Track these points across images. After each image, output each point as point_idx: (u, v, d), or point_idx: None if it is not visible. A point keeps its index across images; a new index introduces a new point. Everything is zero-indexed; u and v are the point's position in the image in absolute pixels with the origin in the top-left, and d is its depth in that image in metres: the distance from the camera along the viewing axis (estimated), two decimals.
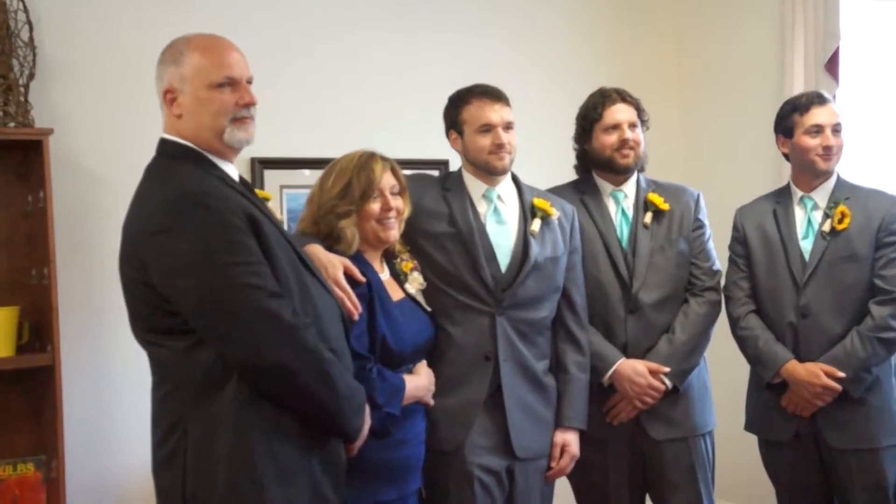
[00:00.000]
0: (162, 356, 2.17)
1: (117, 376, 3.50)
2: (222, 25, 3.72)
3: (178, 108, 2.23)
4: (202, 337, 2.10)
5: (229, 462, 2.07)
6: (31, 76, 3.36)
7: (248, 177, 3.88)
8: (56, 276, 3.18)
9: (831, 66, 4.02)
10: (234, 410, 2.09)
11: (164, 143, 2.26)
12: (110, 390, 3.51)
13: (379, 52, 4.14)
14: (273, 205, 3.85)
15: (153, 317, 2.15)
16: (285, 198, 3.89)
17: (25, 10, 3.36)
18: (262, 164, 3.88)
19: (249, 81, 2.29)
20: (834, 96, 4.00)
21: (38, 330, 3.28)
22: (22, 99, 3.31)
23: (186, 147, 2.23)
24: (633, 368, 3.02)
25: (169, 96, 2.24)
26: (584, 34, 4.66)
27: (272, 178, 3.88)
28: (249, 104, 2.25)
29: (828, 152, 3.09)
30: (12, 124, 3.25)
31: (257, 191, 2.50)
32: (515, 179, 3.00)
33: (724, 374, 3.47)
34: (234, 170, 2.30)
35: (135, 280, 2.15)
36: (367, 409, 2.34)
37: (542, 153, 3.91)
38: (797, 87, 4.06)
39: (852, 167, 4.10)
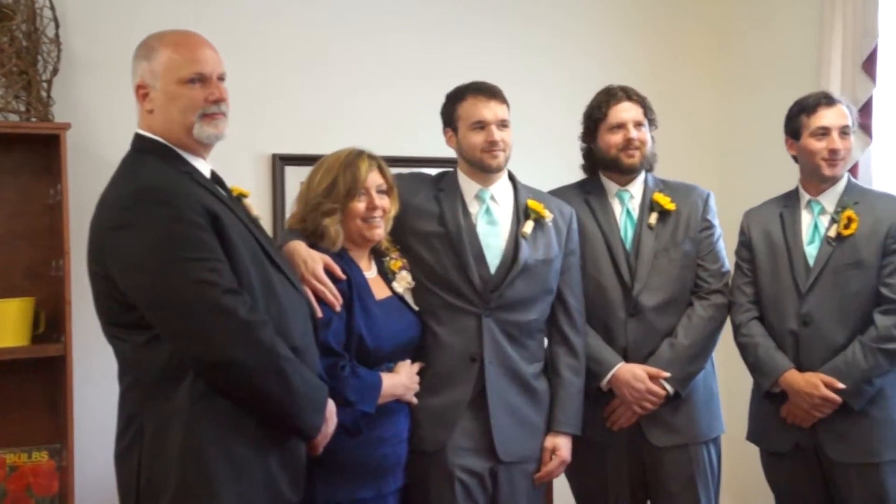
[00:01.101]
0: (123, 350, 2.21)
1: None
2: (243, 25, 3.84)
3: (150, 104, 2.26)
4: (158, 332, 2.11)
5: (181, 458, 2.09)
6: (55, 71, 3.43)
7: (268, 173, 3.92)
8: (70, 268, 3.23)
9: (868, 65, 3.87)
10: (188, 407, 2.11)
11: (136, 138, 2.30)
12: None
13: (401, 51, 4.13)
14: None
15: (114, 310, 2.18)
16: None
17: (52, 7, 3.43)
18: (283, 161, 3.91)
19: (221, 78, 2.30)
20: (871, 96, 3.86)
21: (54, 320, 3.34)
22: (44, 94, 3.38)
23: (155, 142, 2.25)
24: (631, 373, 2.95)
25: (141, 91, 2.28)
26: (620, 34, 4.59)
27: (293, 174, 3.89)
28: (219, 100, 2.26)
29: (833, 156, 2.96)
30: (34, 119, 3.32)
31: (235, 187, 2.50)
32: (513, 179, 2.96)
33: (739, 379, 3.37)
34: (205, 165, 2.32)
35: (97, 274, 2.19)
36: (333, 407, 2.33)
37: (559, 152, 3.84)
38: (834, 87, 3.92)
39: (888, 169, 3.96)
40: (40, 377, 3.37)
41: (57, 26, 3.44)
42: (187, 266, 2.07)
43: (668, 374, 2.95)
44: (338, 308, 2.51)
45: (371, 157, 2.69)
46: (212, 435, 2.11)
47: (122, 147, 3.63)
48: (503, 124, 2.83)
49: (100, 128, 3.54)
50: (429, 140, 3.83)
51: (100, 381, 3.48)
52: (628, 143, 3.03)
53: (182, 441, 2.10)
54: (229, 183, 2.50)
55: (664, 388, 2.96)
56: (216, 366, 2.10)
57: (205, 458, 2.09)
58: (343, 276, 2.55)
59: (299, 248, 2.55)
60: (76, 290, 3.25)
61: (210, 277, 2.08)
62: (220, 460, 2.10)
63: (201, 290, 2.07)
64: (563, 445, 2.87)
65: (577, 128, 3.21)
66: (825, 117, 2.98)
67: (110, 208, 2.17)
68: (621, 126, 3.04)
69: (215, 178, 2.34)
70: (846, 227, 2.93)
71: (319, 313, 2.46)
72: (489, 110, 2.81)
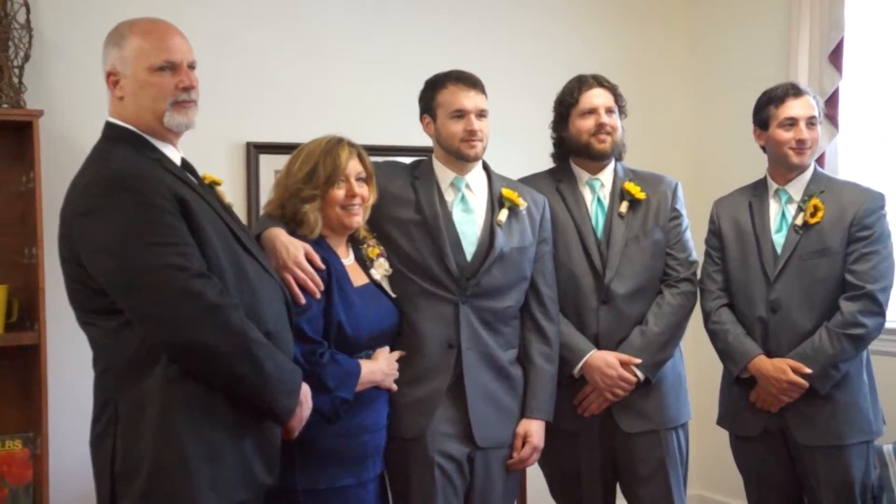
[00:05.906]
0: (96, 335, 2.22)
1: None
2: (218, 13, 3.83)
3: (120, 91, 2.27)
4: (129, 317, 2.13)
5: (156, 441, 2.11)
6: (27, 58, 3.41)
7: (242, 161, 3.92)
8: (43, 255, 3.21)
9: (835, 57, 3.94)
10: (162, 390, 2.12)
11: (107, 126, 2.31)
12: None
13: (378, 41, 4.15)
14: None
15: (86, 296, 2.19)
16: None
17: None
18: (257, 149, 3.91)
19: (192, 66, 2.31)
20: (837, 88, 3.93)
21: (28, 308, 3.33)
22: (15, 80, 3.36)
23: (125, 129, 2.26)
24: (603, 360, 2.99)
25: (112, 79, 2.28)
26: (594, 26, 4.63)
27: (267, 162, 3.90)
28: (189, 88, 2.27)
29: (801, 146, 3.01)
30: (5, 105, 3.30)
31: (207, 175, 2.52)
32: (486, 168, 2.99)
33: (706, 366, 3.43)
34: (175, 152, 2.33)
35: (67, 260, 2.21)
36: (308, 390, 2.35)
37: (529, 143, 3.88)
38: (801, 79, 3.99)
39: (853, 159, 4.04)
40: (14, 365, 3.36)
41: (28, 11, 3.41)
42: (155, 250, 2.08)
43: (639, 361, 2.99)
44: (318, 295, 2.53)
45: (351, 144, 2.70)
46: (185, 418, 2.13)
47: (95, 134, 3.63)
48: (482, 114, 2.85)
49: (73, 115, 3.52)
50: (403, 129, 3.87)
51: (74, 369, 3.47)
52: (600, 128, 3.06)
53: (156, 425, 2.11)
54: (203, 171, 2.51)
55: (635, 375, 3.00)
56: (186, 349, 2.11)
57: (179, 441, 2.11)
58: (322, 266, 2.56)
59: (280, 235, 2.56)
60: (50, 278, 3.23)
61: (178, 262, 2.09)
62: (194, 443, 2.12)
63: (169, 274, 2.08)
64: (535, 432, 2.89)
65: (546, 119, 3.24)
66: (793, 108, 3.03)
67: (79, 195, 2.18)
68: (593, 111, 3.07)
69: (186, 165, 2.36)
70: (812, 215, 2.99)
71: (302, 300, 2.48)
72: (469, 99, 2.83)
